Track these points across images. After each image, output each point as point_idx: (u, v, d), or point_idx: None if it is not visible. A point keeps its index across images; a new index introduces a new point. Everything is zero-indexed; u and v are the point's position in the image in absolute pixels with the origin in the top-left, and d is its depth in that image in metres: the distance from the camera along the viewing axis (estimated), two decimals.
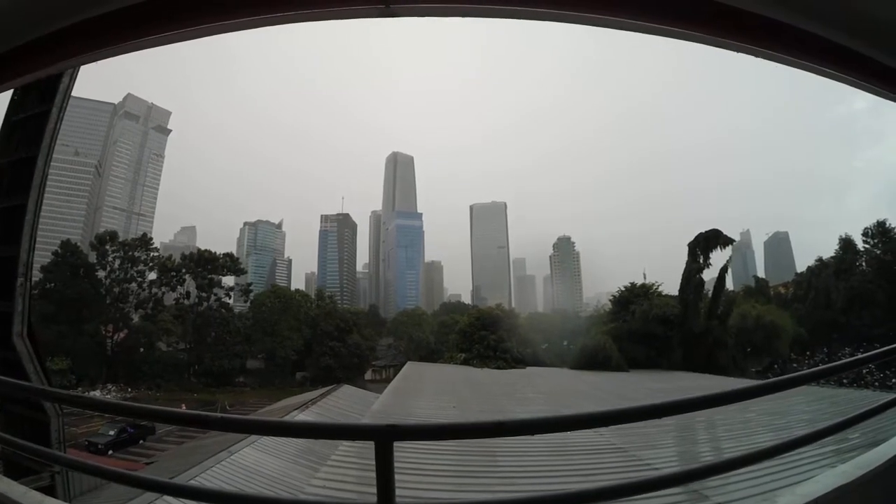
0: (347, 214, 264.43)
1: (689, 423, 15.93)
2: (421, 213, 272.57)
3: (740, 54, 2.90)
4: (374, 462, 2.43)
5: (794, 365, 59.41)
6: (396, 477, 2.49)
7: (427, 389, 29.35)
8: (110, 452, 40.71)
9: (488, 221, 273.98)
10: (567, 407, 24.28)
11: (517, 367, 52.38)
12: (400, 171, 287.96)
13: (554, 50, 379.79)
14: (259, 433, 16.59)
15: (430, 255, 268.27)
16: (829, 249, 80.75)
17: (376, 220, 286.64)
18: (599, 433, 13.63)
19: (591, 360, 46.80)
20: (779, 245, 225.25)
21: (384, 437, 2.45)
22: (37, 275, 71.29)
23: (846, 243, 76.46)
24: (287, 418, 23.99)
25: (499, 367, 50.90)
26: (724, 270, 55.78)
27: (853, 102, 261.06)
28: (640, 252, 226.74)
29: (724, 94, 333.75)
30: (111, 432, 43.57)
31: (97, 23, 2.69)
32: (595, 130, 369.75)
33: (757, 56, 2.89)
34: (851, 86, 3.20)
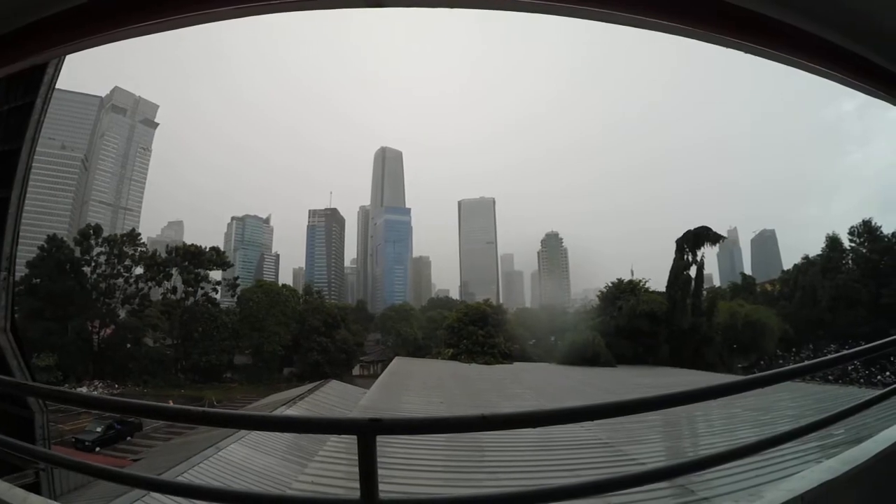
0: (335, 209, 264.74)
1: (674, 418, 16.00)
2: (409, 209, 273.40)
3: (732, 58, 2.91)
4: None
5: (780, 362, 59.81)
6: (383, 472, 2.48)
7: (415, 385, 29.34)
8: (97, 449, 40.62)
9: (477, 217, 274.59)
10: (554, 402, 24.32)
11: (505, 362, 52.59)
12: (388, 166, 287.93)
13: (546, 50, 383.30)
14: (242, 427, 16.59)
15: (418, 250, 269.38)
16: (816, 248, 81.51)
17: (364, 216, 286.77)
18: (586, 428, 13.68)
19: (579, 356, 47.00)
20: (765, 243, 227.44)
21: (367, 431, 2.43)
22: (22, 270, 70.90)
23: (833, 242, 77.05)
24: (273, 413, 23.94)
25: (487, 363, 51.06)
26: (700, 266, 56.01)
27: (841, 105, 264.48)
28: (628, 251, 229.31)
29: (714, 98, 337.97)
30: (98, 429, 43.44)
31: (82, 10, 2.65)
32: (585, 133, 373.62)
33: (752, 53, 2.88)
34: (844, 84, 3.21)
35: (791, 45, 2.86)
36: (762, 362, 59.82)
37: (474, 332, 58.33)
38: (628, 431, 13.97)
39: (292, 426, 4.13)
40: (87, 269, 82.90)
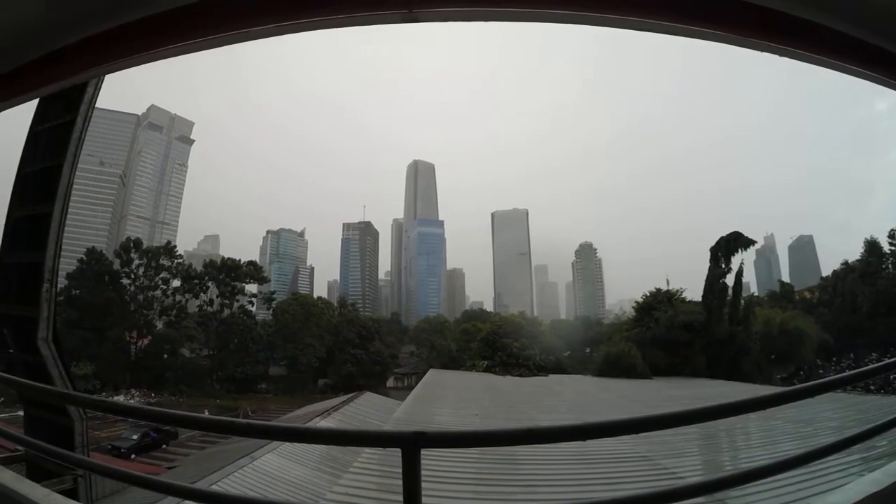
0: (369, 222, 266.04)
1: (713, 431, 15.72)
2: (442, 221, 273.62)
3: (761, 59, 2.87)
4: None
5: (821, 371, 58.59)
6: None
7: (449, 397, 29.27)
8: (133, 456, 41.07)
9: (510, 228, 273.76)
10: (591, 415, 24.06)
11: (540, 374, 52.23)
12: (421, 179, 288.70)
13: (571, 54, 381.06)
14: (286, 439, 16.70)
15: (451, 262, 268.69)
16: (854, 253, 79.61)
17: (398, 228, 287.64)
18: (622, 441, 13.49)
19: (615, 368, 46.45)
20: (803, 249, 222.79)
21: (411, 445, 2.42)
22: (62, 282, 72.43)
23: (871, 246, 75.18)
24: (313, 425, 24.04)
25: (521, 375, 50.75)
26: (739, 274, 55.11)
27: (876, 103, 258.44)
28: (663, 255, 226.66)
29: (747, 96, 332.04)
30: (134, 436, 44.01)
31: (121, 33, 2.72)
32: (616, 133, 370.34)
33: (781, 55, 2.85)
34: (881, 84, 3.14)
35: (820, 46, 2.82)
36: (801, 372, 58.63)
37: (509, 344, 58.17)
38: (667, 444, 13.75)
39: (336, 438, 4.13)
40: (126, 282, 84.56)
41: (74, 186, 9.64)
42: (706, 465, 13.23)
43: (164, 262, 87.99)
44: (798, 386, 3.46)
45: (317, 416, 29.17)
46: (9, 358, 9.56)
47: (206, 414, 49.09)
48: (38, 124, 9.14)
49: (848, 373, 4.21)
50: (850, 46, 2.77)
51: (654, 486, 9.92)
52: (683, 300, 54.89)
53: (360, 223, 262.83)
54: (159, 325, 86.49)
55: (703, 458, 14.19)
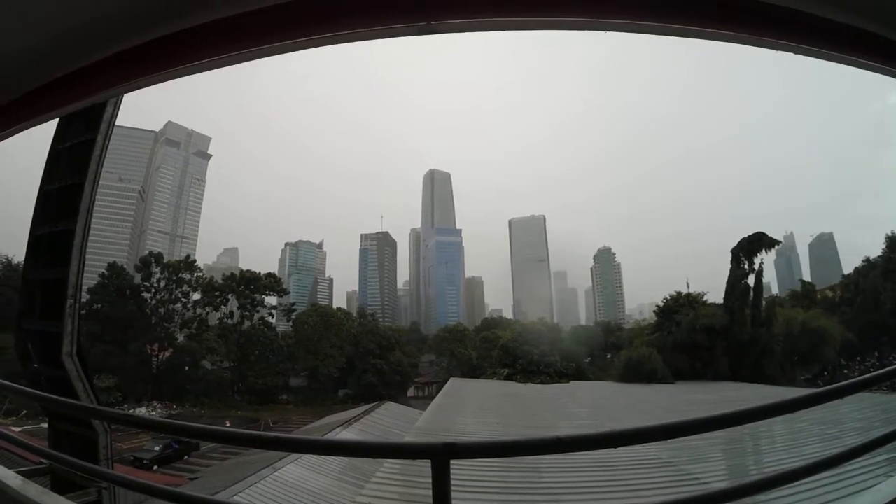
0: (387, 232, 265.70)
1: (737, 434, 15.55)
2: (460, 230, 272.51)
3: (772, 56, 2.84)
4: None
5: (845, 371, 57.74)
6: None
7: (470, 406, 29.25)
8: (155, 468, 41.14)
9: (528, 235, 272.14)
10: (613, 421, 23.94)
11: (561, 381, 52.11)
12: (437, 187, 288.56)
13: (584, 57, 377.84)
14: (314, 452, 16.71)
15: (469, 270, 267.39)
16: (876, 249, 78.14)
17: (416, 238, 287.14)
18: (646, 447, 13.37)
19: (636, 373, 46.22)
20: (824, 246, 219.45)
21: (442, 456, 2.42)
22: (85, 296, 73.18)
23: (893, 242, 73.36)
24: (341, 438, 24.09)
25: (543, 382, 50.70)
26: (759, 274, 54.52)
27: (887, 97, 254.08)
28: (682, 257, 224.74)
29: (763, 90, 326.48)
30: (156, 448, 44.06)
31: (138, 53, 2.76)
32: (629, 134, 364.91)
33: (795, 53, 2.83)
34: (887, 75, 3.11)
35: (832, 42, 2.79)
36: (825, 373, 57.81)
37: (529, 351, 58.08)
38: (690, 450, 13.63)
39: (364, 451, 4.11)
40: (146, 295, 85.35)
41: (95, 203, 9.73)
42: (731, 470, 13.09)
43: (185, 275, 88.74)
44: (829, 387, 3.40)
45: (338, 426, 29.26)
46: (34, 372, 9.66)
47: (228, 425, 49.31)
48: (59, 143, 9.24)
49: (878, 371, 4.13)
50: (858, 41, 2.74)
51: (680, 492, 9.83)
52: (705, 303, 54.42)
53: (377, 233, 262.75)
54: (180, 337, 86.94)
55: (727, 462, 14.06)
